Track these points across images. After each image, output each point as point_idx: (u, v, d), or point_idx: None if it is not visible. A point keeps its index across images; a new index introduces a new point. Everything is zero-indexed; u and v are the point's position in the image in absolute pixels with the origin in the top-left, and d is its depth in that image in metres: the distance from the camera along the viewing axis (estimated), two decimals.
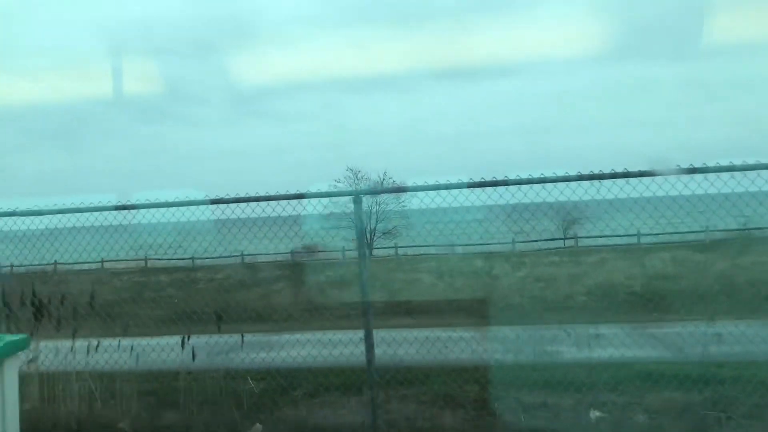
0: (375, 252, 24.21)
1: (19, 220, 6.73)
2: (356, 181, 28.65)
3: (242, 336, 7.65)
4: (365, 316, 6.10)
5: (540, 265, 15.60)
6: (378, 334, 6.36)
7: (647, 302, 12.62)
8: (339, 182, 28.19)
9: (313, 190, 6.30)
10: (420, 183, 6.00)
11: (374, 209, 26.69)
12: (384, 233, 25.99)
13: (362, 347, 6.17)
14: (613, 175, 5.62)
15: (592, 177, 5.70)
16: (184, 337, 6.94)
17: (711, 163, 5.55)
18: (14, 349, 3.92)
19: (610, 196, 5.99)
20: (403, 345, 8.26)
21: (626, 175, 5.62)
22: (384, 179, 28.02)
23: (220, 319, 7.30)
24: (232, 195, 6.27)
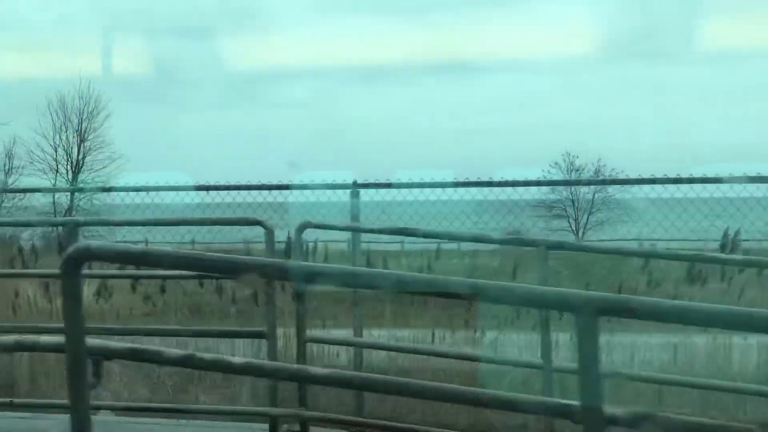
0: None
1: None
2: (571, 168, 26.66)
3: None
4: None
5: None
6: None
7: None
8: (553, 167, 26.31)
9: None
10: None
11: (583, 197, 24.92)
12: (597, 224, 24.08)
13: None
14: None
15: None
16: None
17: None
18: None
19: None
20: None
21: None
22: (599, 167, 26.25)
23: None
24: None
